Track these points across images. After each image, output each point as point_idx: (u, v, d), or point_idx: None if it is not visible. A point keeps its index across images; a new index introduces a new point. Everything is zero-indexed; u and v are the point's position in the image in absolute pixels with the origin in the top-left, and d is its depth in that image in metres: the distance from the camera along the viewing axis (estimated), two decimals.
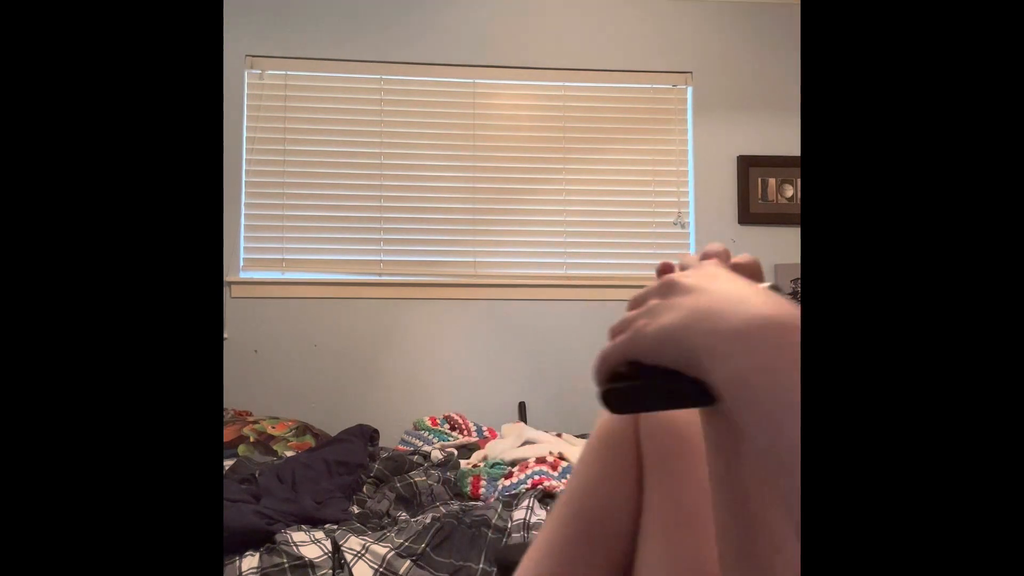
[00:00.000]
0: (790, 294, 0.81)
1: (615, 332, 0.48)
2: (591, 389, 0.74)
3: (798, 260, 2.59)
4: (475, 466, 2.10)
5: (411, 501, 1.85)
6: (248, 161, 3.08)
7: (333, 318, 3.05)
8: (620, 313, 0.49)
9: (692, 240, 3.24)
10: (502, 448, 2.21)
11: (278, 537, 1.47)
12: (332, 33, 3.14)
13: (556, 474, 1.89)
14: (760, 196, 3.24)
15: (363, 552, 1.42)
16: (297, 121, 3.11)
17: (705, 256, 0.50)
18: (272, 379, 2.99)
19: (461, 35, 3.20)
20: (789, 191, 3.23)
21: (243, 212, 3.06)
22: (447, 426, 2.63)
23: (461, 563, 1.41)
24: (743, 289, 0.44)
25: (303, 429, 2.59)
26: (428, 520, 1.56)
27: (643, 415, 0.65)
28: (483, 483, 1.94)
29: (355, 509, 1.79)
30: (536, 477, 1.89)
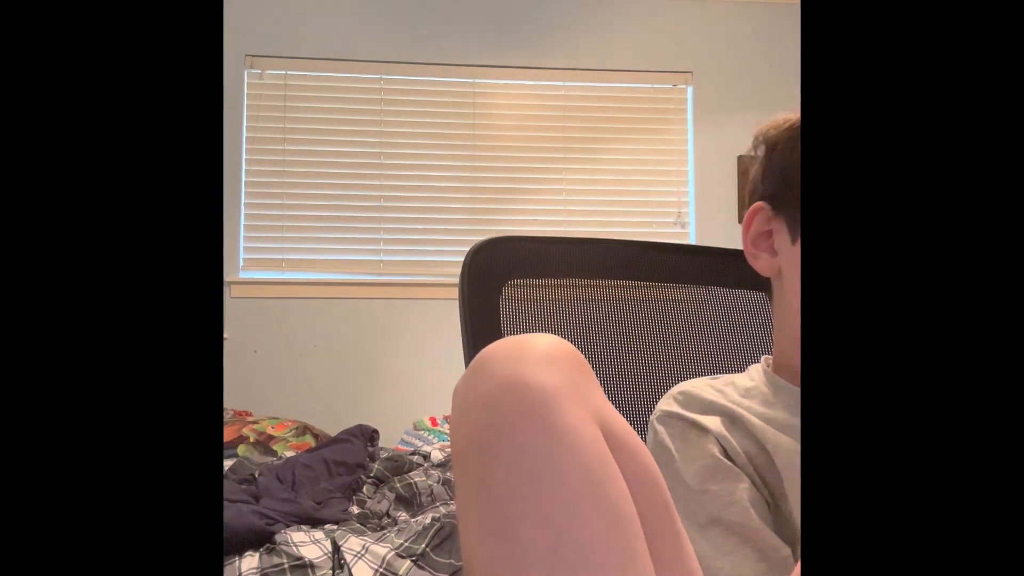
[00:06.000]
0: None
1: None
2: None
3: None
4: None
5: (411, 501, 1.85)
6: (248, 161, 3.07)
7: (333, 318, 3.05)
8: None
9: (692, 240, 3.24)
10: None
11: (278, 537, 1.47)
12: (332, 33, 3.13)
13: None
14: None
15: (363, 552, 1.42)
16: (297, 121, 3.11)
17: None
18: (272, 379, 2.99)
19: (461, 35, 3.20)
20: None
21: (243, 212, 3.06)
22: (447, 426, 2.62)
23: (461, 563, 1.41)
24: None
25: (303, 429, 2.59)
26: (428, 520, 1.56)
27: None
28: None
29: (355, 509, 1.79)
30: None
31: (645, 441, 0.70)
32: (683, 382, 0.72)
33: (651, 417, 0.70)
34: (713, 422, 0.66)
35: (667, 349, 0.86)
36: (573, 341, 0.74)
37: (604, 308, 0.82)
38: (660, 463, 0.65)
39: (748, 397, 0.68)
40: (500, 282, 0.74)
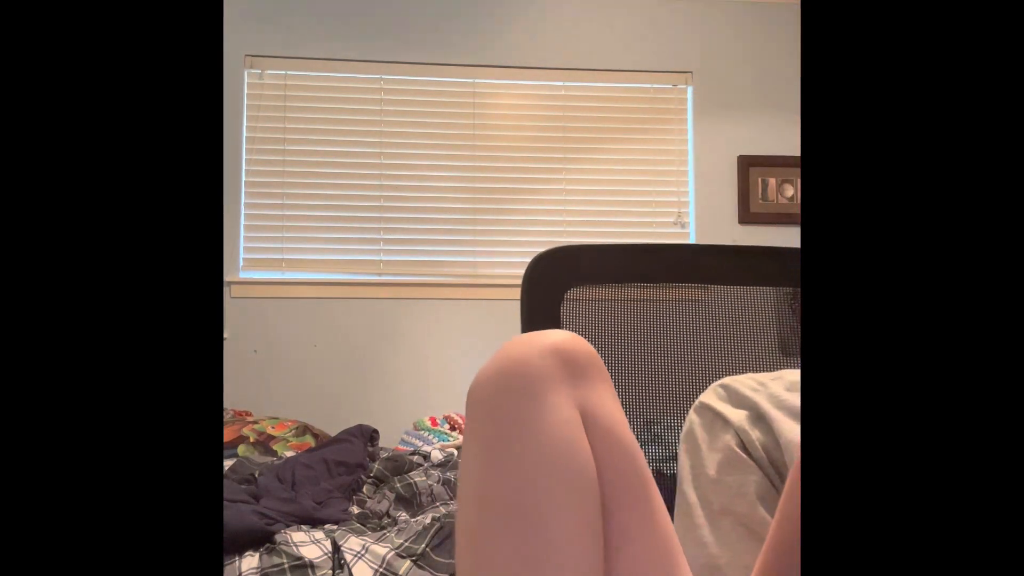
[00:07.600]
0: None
1: None
2: None
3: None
4: None
5: (411, 501, 1.85)
6: (248, 161, 3.07)
7: (333, 318, 3.05)
8: None
9: (692, 240, 3.24)
10: None
11: (278, 537, 1.47)
12: (332, 33, 3.13)
13: None
14: (760, 196, 3.24)
15: (363, 552, 1.42)
16: (297, 121, 3.11)
17: None
18: (272, 379, 2.99)
19: (461, 35, 3.20)
20: (789, 191, 3.23)
21: (243, 212, 3.06)
22: (447, 426, 2.62)
23: None
24: None
25: (303, 429, 2.59)
26: (428, 520, 1.56)
27: None
28: None
29: (355, 509, 1.79)
30: None
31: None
32: (730, 376, 0.75)
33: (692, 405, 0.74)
34: (737, 415, 0.69)
35: (719, 347, 0.89)
36: (626, 343, 0.80)
37: (659, 310, 0.86)
38: (690, 450, 0.70)
39: (792, 391, 0.70)
40: (560, 290, 0.81)
